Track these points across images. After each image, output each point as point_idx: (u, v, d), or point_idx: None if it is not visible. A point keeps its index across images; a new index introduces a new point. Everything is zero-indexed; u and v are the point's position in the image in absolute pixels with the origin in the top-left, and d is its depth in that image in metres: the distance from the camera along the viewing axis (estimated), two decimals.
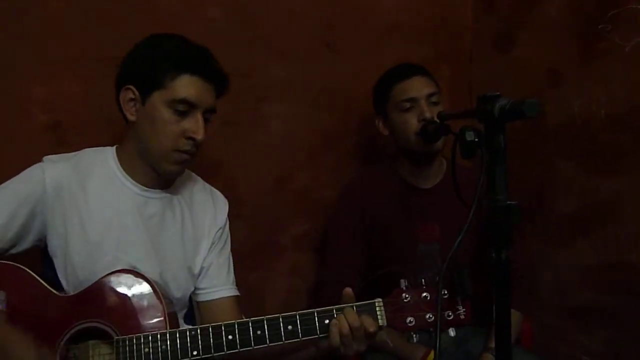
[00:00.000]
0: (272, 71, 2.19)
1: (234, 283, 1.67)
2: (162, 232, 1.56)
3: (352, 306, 1.36)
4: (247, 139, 2.16)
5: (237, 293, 1.66)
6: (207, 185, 1.71)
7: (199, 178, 1.71)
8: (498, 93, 1.09)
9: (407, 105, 1.91)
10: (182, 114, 1.45)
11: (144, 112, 1.47)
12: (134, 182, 1.54)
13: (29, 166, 1.53)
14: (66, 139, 1.90)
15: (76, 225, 1.48)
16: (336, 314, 1.35)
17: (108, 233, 1.49)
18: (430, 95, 1.91)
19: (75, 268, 1.48)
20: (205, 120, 1.49)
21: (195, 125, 1.46)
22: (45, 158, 1.53)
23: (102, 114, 1.82)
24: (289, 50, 2.21)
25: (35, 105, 1.88)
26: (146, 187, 1.55)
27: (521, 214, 1.11)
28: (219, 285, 1.63)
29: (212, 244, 1.64)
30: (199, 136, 1.46)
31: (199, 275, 1.63)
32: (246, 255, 2.07)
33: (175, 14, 2.02)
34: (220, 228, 1.66)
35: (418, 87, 1.92)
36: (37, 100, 1.88)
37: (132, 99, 1.48)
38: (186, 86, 1.45)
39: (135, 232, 1.52)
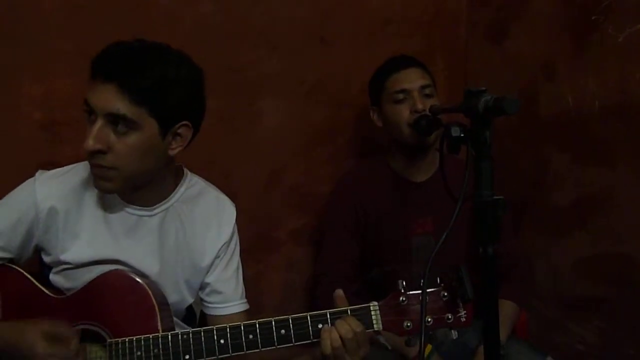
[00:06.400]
0: (266, 65, 2.18)
1: (243, 296, 1.60)
2: (160, 247, 1.49)
3: (346, 311, 1.31)
4: (240, 133, 2.15)
5: (245, 307, 1.59)
6: (214, 193, 1.59)
7: (205, 186, 1.60)
8: (484, 88, 1.10)
9: (400, 96, 1.92)
10: (91, 123, 1.31)
11: None
12: (126, 202, 1.46)
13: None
14: (62, 137, 1.91)
15: (71, 244, 1.44)
16: (330, 319, 1.31)
17: (103, 251, 1.45)
18: (424, 87, 1.92)
19: (70, 281, 1.46)
20: (118, 132, 1.29)
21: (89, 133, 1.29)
22: (38, 174, 1.46)
23: None
24: (282, 44, 2.20)
25: (29, 103, 1.89)
26: (141, 206, 1.46)
27: (507, 207, 1.11)
28: (226, 301, 1.56)
29: (217, 257, 1.55)
30: (85, 145, 1.28)
31: (203, 290, 1.57)
32: (242, 250, 2.07)
33: (168, 10, 2.03)
34: (224, 243, 1.55)
35: (411, 79, 1.93)
36: (32, 98, 1.88)
37: None
38: (89, 90, 1.31)
39: (131, 249, 1.46)
